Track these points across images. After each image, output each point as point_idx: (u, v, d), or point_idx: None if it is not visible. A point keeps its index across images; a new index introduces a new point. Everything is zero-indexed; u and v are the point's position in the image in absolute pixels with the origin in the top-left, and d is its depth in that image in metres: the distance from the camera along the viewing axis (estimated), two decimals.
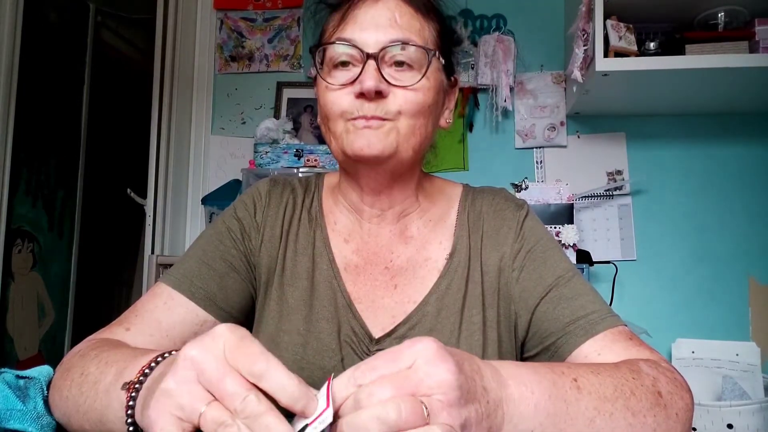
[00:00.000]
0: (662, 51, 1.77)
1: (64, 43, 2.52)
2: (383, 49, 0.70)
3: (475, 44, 2.19)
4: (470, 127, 2.21)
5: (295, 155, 2.07)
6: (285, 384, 0.41)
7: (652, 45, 1.78)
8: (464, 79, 2.19)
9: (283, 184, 0.86)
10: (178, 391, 0.41)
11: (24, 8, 2.15)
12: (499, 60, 2.14)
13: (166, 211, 2.27)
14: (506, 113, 2.19)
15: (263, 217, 0.82)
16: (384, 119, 0.71)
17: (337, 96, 0.72)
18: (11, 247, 2.20)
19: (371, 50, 0.70)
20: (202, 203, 2.28)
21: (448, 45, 0.79)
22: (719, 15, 1.78)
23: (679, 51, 1.75)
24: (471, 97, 2.19)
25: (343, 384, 0.43)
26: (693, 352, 1.89)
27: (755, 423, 1.53)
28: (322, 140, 2.25)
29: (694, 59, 1.69)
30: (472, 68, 2.19)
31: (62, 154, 2.52)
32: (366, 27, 0.71)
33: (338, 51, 0.72)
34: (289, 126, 2.16)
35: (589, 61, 1.79)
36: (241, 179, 2.16)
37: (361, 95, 0.70)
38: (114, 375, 0.54)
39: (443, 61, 0.76)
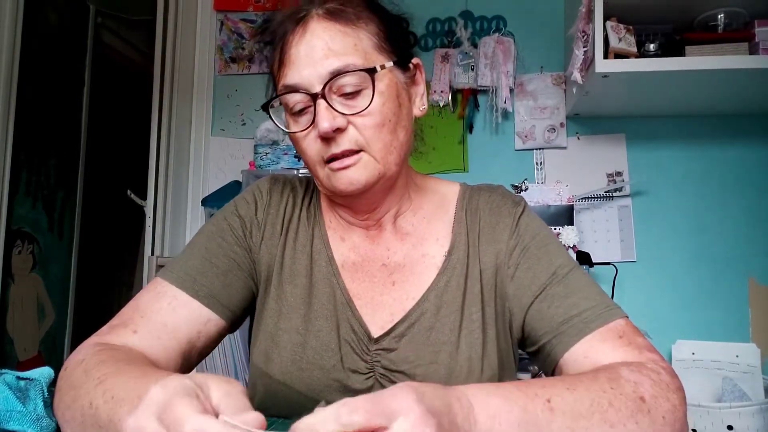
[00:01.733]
0: (662, 52, 1.77)
1: (65, 44, 2.52)
2: (326, 84, 0.70)
3: (475, 45, 2.19)
4: (470, 128, 2.21)
5: (295, 156, 2.07)
6: None
7: (651, 46, 1.78)
8: (464, 80, 2.19)
9: (284, 182, 0.87)
10: None
11: (24, 9, 2.15)
12: (498, 61, 2.14)
13: (166, 213, 2.27)
14: (506, 114, 2.19)
15: (264, 215, 0.82)
16: (355, 151, 0.71)
17: (307, 143, 0.73)
18: (11, 248, 2.20)
19: (316, 89, 0.70)
20: (202, 204, 2.28)
21: (395, 35, 0.77)
22: (719, 16, 1.78)
23: (679, 52, 1.75)
24: (471, 98, 2.19)
25: (327, 422, 0.41)
26: (693, 354, 1.89)
27: (755, 424, 1.53)
28: None
29: (694, 60, 1.69)
30: (472, 69, 2.19)
31: (62, 154, 2.52)
32: (304, 65, 0.70)
33: (289, 100, 0.73)
34: None
35: (588, 63, 1.79)
36: (241, 180, 2.16)
37: (324, 138, 0.70)
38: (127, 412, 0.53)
39: (392, 63, 0.74)
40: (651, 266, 2.07)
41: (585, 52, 1.80)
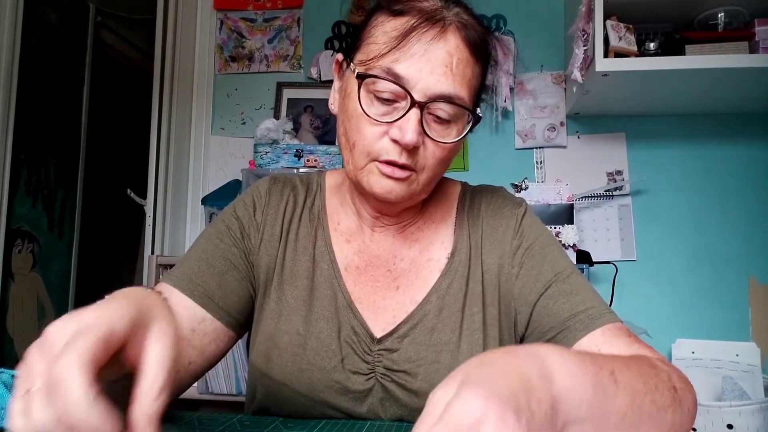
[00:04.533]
0: (662, 51, 1.77)
1: (64, 43, 2.52)
2: (430, 101, 0.68)
3: None
4: None
5: (295, 155, 2.07)
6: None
7: (652, 45, 1.78)
8: None
9: (284, 182, 0.86)
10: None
11: (24, 8, 2.15)
12: (498, 60, 2.14)
13: (166, 212, 2.27)
14: (506, 113, 2.19)
15: (263, 216, 0.82)
16: (410, 169, 0.70)
17: (370, 132, 0.69)
18: (11, 247, 2.20)
19: (419, 97, 0.67)
20: (202, 203, 2.28)
21: (484, 84, 0.78)
22: (719, 15, 1.78)
23: (679, 51, 1.75)
24: None
25: None
26: (693, 353, 1.89)
27: (755, 423, 1.53)
28: (321, 140, 2.25)
29: (694, 59, 1.69)
30: None
31: (62, 154, 2.52)
32: (421, 66, 0.67)
33: (383, 86, 0.68)
34: (289, 126, 2.16)
35: (589, 62, 1.79)
36: (241, 179, 2.16)
37: (397, 141, 0.68)
38: None
39: (480, 111, 0.75)
40: (651, 265, 2.07)
41: (585, 51, 1.80)
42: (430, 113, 0.69)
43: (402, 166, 0.69)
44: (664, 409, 0.54)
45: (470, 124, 0.72)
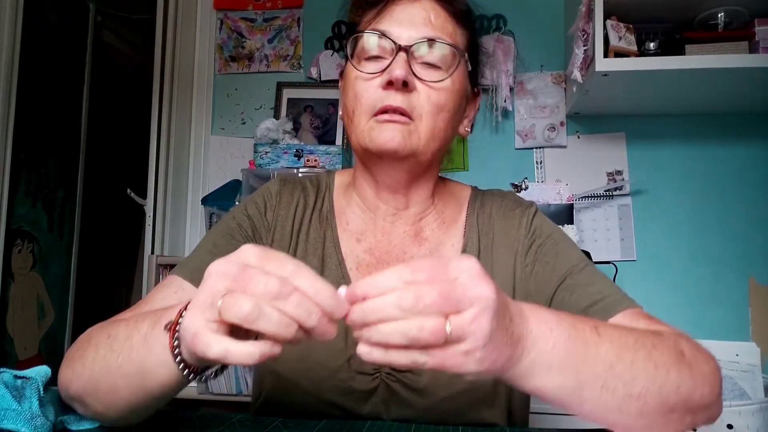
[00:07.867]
0: (662, 51, 1.77)
1: (64, 43, 2.52)
2: (415, 44, 0.72)
3: None
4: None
5: (295, 155, 2.07)
6: (316, 286, 0.45)
7: (652, 45, 1.78)
8: None
9: (293, 183, 0.86)
10: (203, 296, 0.45)
11: (24, 8, 2.15)
12: (498, 60, 2.14)
13: (166, 212, 2.27)
14: (506, 113, 2.19)
15: (274, 217, 0.83)
16: (408, 116, 0.72)
17: (365, 87, 0.73)
18: (11, 247, 2.20)
19: (403, 42, 0.72)
20: (202, 203, 2.28)
21: (475, 56, 0.81)
22: (719, 15, 1.78)
23: (679, 51, 1.75)
24: None
25: (391, 279, 0.44)
26: None
27: (755, 423, 1.53)
28: (321, 140, 2.25)
29: (694, 59, 1.69)
30: None
31: (62, 154, 2.52)
32: (401, 22, 0.74)
33: (371, 42, 0.74)
34: (289, 126, 2.16)
35: (589, 62, 1.79)
36: (241, 179, 2.16)
37: (389, 84, 0.71)
38: (149, 325, 0.55)
39: (470, 68, 0.78)
40: (651, 265, 2.07)
41: (585, 50, 1.80)
42: (417, 61, 0.73)
43: (396, 110, 0.71)
44: (665, 367, 0.55)
45: (458, 67, 0.75)
